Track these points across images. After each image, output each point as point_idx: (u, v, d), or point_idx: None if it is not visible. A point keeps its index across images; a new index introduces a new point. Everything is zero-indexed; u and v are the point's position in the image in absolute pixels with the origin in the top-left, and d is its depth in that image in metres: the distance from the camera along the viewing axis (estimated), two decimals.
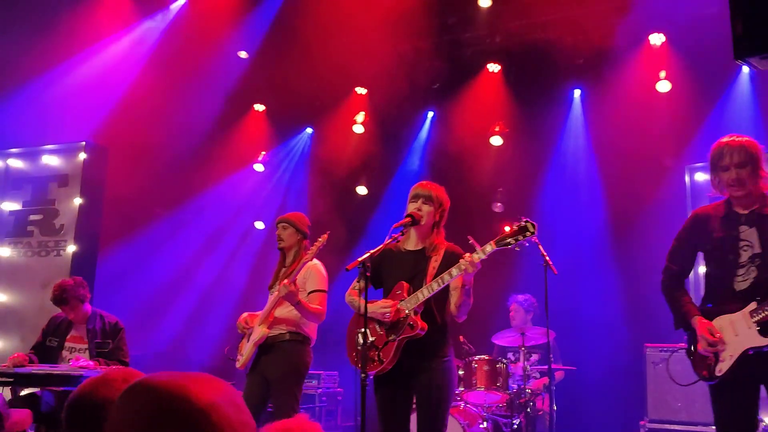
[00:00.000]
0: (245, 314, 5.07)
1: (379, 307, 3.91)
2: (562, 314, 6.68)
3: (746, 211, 3.51)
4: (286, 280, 4.60)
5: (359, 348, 3.88)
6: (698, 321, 3.48)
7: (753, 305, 3.35)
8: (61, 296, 5.36)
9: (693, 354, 3.56)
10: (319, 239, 4.56)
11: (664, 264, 3.75)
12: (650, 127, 7.11)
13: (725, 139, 3.51)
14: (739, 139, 3.49)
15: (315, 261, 4.90)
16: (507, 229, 3.72)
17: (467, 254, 3.73)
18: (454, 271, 3.76)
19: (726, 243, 3.50)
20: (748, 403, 3.40)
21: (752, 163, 3.43)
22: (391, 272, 4.07)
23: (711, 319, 3.47)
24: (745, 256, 3.45)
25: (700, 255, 3.72)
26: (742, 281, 3.43)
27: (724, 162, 3.46)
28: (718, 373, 3.39)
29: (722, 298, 3.51)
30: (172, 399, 1.14)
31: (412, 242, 4.11)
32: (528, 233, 3.64)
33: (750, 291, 3.40)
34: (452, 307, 3.93)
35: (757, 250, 3.42)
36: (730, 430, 3.43)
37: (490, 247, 3.70)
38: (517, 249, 3.69)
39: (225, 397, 1.18)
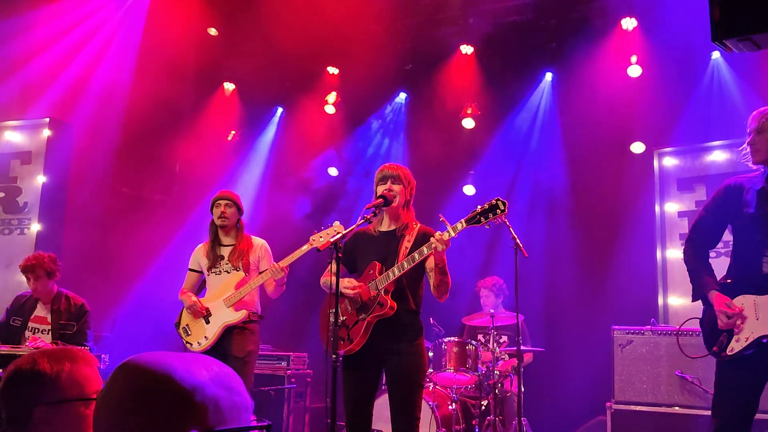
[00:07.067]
0: (193, 297, 5.07)
1: (345, 283, 3.91)
2: (532, 296, 6.73)
3: None
4: (277, 264, 4.72)
5: (331, 328, 3.87)
6: (716, 296, 3.30)
7: None
8: (32, 264, 5.38)
9: (705, 328, 3.40)
10: (332, 227, 4.36)
11: (688, 234, 3.59)
12: (621, 112, 7.15)
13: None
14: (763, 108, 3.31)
15: (261, 240, 5.13)
16: (478, 207, 3.72)
17: (437, 233, 3.72)
18: (424, 249, 3.76)
19: (758, 221, 3.25)
20: (751, 389, 3.23)
21: None
22: (365, 254, 4.06)
23: (734, 295, 3.29)
24: None
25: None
26: None
27: (748, 129, 3.32)
28: (729, 352, 3.23)
29: (747, 278, 3.28)
30: (155, 379, 1.15)
31: (385, 224, 4.10)
32: (498, 211, 3.64)
33: None
34: (432, 289, 3.93)
35: None
36: (722, 409, 3.26)
37: (460, 225, 3.71)
38: (487, 227, 3.70)
39: (215, 380, 1.18)
